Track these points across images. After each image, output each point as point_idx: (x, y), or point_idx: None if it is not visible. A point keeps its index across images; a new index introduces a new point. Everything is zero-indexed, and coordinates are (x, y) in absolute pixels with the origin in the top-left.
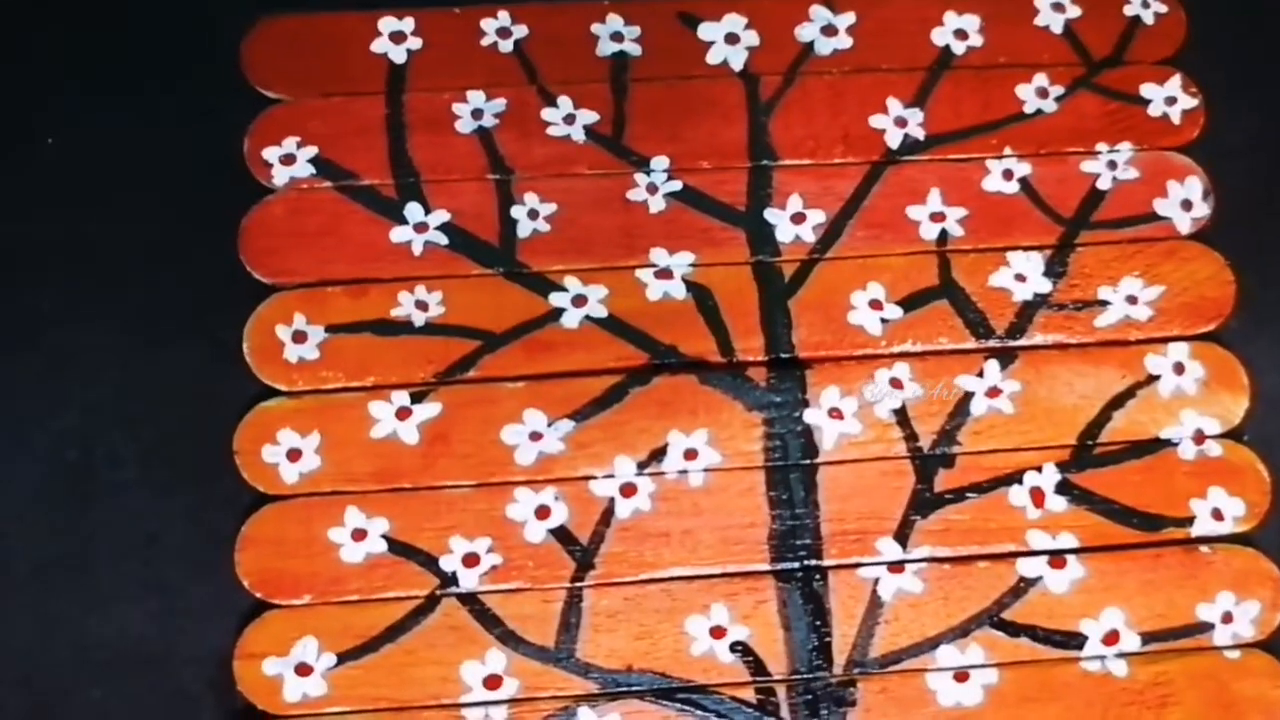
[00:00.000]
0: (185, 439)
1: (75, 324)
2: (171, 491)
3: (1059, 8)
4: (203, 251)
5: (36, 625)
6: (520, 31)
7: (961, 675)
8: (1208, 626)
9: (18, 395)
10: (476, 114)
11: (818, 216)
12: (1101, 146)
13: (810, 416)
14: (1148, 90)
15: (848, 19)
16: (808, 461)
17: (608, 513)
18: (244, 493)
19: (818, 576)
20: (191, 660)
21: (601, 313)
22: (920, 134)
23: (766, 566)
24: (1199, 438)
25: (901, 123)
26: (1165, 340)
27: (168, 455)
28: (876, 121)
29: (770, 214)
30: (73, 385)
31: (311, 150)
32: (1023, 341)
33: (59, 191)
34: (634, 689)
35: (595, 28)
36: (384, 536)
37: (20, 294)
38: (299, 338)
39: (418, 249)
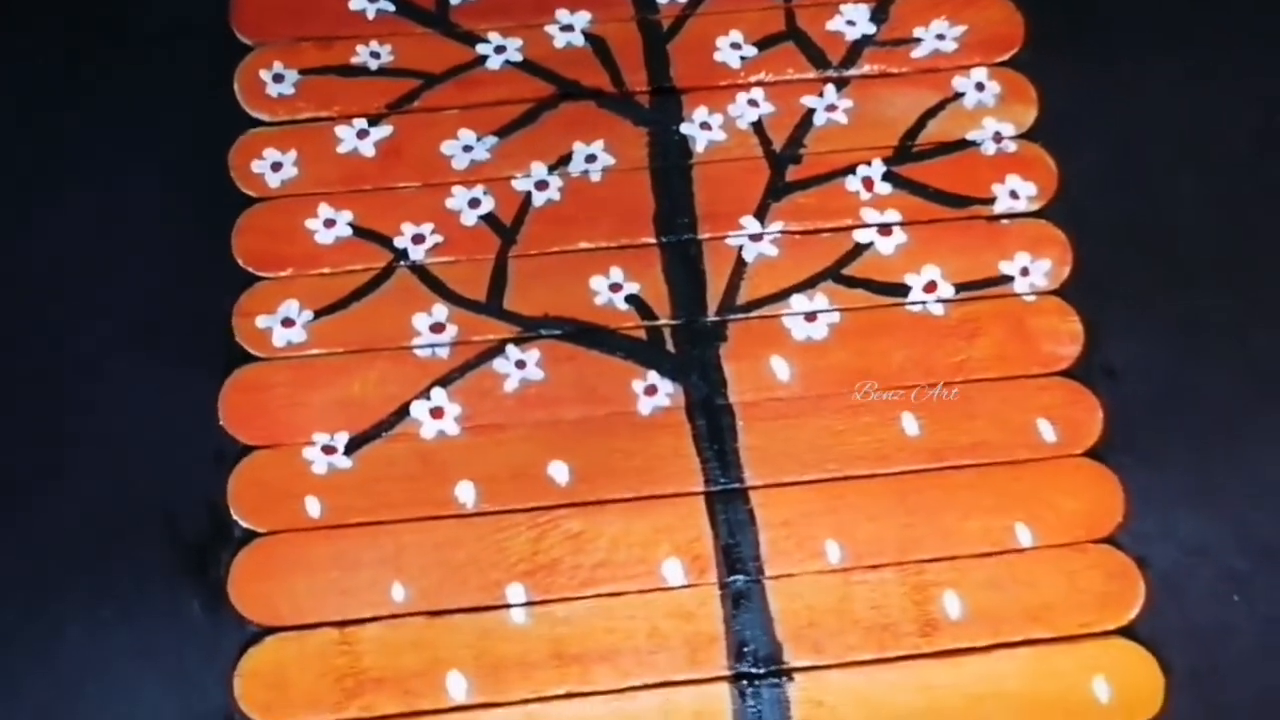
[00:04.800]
0: (192, 159)
1: (110, 92)
2: (183, 199)
3: None
4: (200, 23)
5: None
6: None
7: (810, 317)
8: (1009, 279)
9: (58, 158)
10: None
11: None
12: None
13: (685, 129)
14: None
15: None
16: (684, 162)
17: (525, 203)
18: (237, 196)
19: (694, 246)
20: (199, 319)
21: (518, 58)
22: None
23: (652, 240)
24: (997, 138)
25: None
26: (969, 67)
27: (179, 172)
28: None
29: None
30: (108, 146)
31: None
32: (854, 72)
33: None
34: (550, 332)
35: None
36: (349, 224)
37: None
38: (278, 79)
39: (371, 14)
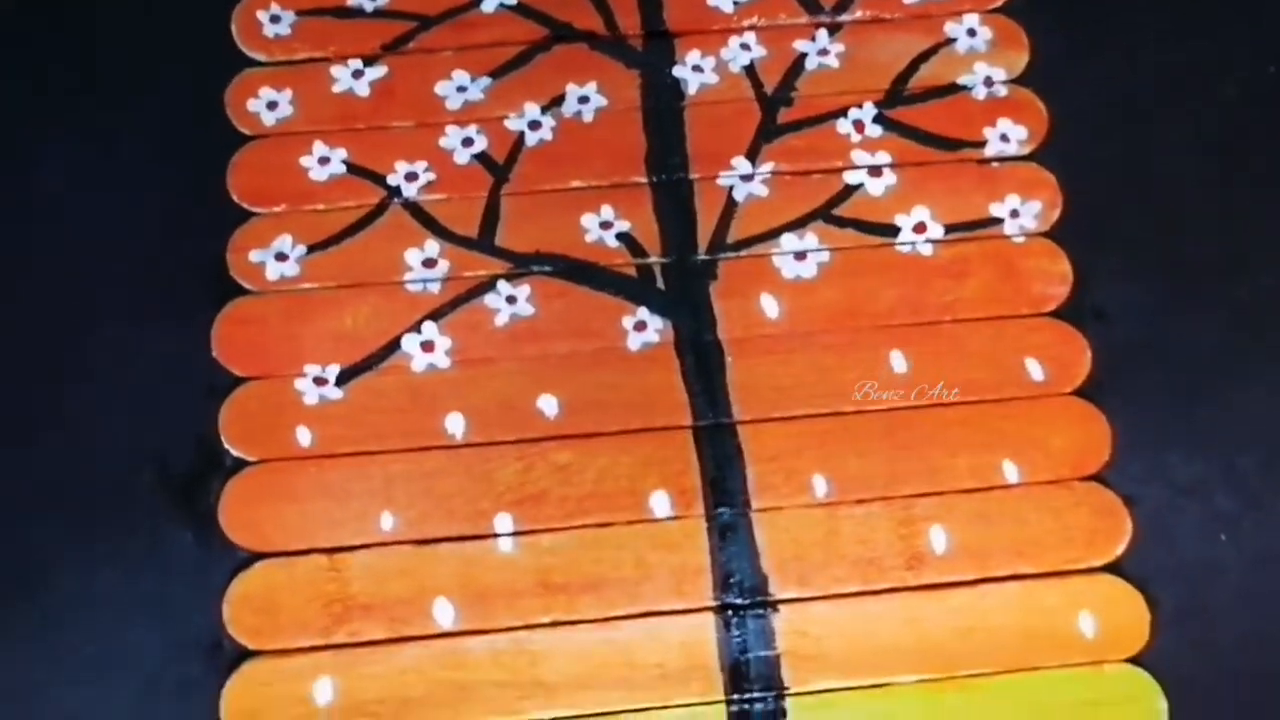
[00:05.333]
0: (188, 98)
1: (109, 36)
2: (178, 137)
3: None
4: None
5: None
6: None
7: (800, 256)
8: (998, 221)
9: (56, 98)
10: None
11: None
12: None
13: (678, 71)
14: None
15: None
16: (676, 104)
17: (518, 142)
18: (233, 134)
19: (685, 186)
20: (193, 254)
21: (512, 1)
22: None
23: (644, 180)
24: (988, 82)
25: None
26: (961, 13)
27: (175, 111)
28: None
29: None
30: (105, 87)
31: None
32: (846, 17)
33: None
34: (541, 269)
35: None
36: (343, 162)
37: None
38: (275, 20)
39: None
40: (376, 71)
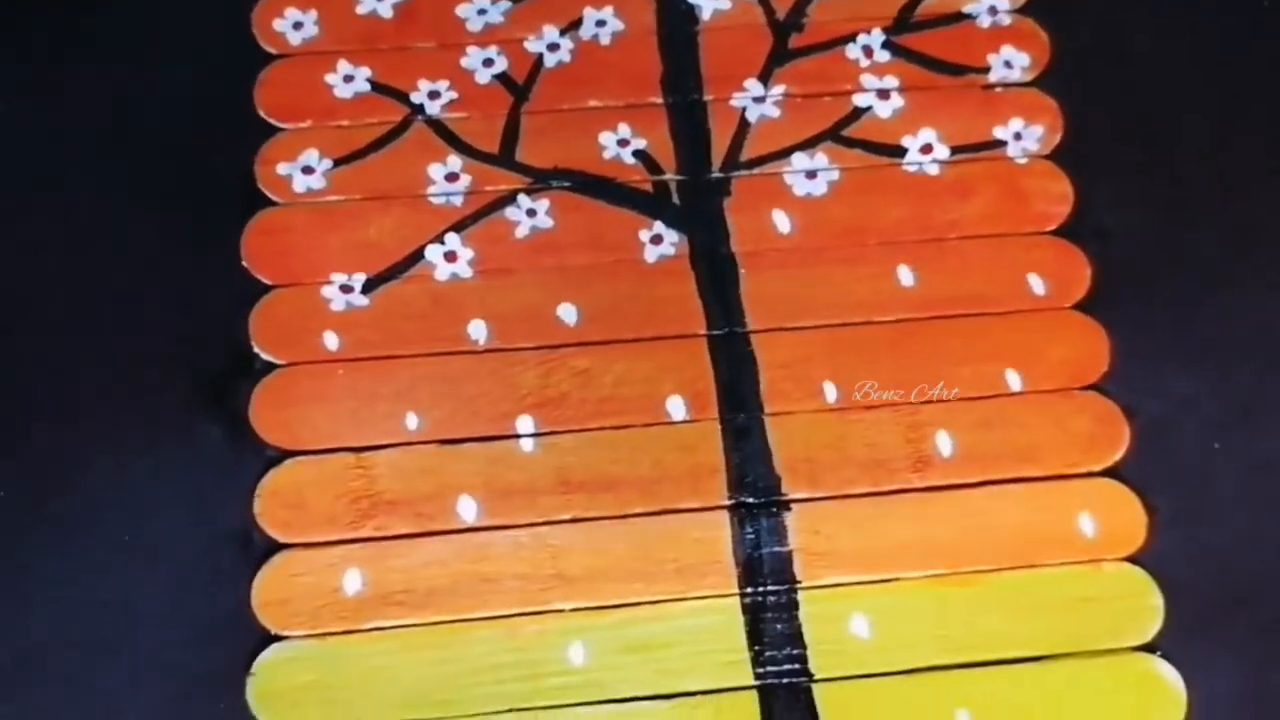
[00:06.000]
0: (216, 18)
1: None
2: (207, 55)
3: None
4: None
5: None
6: None
7: (811, 174)
8: (1002, 143)
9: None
10: None
11: None
12: None
13: None
14: None
15: None
16: (691, 29)
17: (537, 63)
18: (258, 53)
19: (699, 107)
20: (222, 166)
21: None
22: None
23: (659, 100)
24: (992, 11)
25: None
26: None
27: (203, 30)
28: None
29: None
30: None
31: None
32: None
33: None
34: (560, 183)
35: None
36: (368, 80)
37: None
38: None
39: None
40: None
